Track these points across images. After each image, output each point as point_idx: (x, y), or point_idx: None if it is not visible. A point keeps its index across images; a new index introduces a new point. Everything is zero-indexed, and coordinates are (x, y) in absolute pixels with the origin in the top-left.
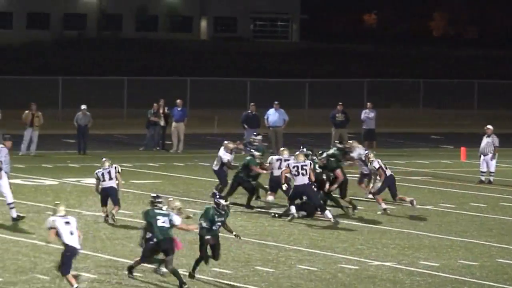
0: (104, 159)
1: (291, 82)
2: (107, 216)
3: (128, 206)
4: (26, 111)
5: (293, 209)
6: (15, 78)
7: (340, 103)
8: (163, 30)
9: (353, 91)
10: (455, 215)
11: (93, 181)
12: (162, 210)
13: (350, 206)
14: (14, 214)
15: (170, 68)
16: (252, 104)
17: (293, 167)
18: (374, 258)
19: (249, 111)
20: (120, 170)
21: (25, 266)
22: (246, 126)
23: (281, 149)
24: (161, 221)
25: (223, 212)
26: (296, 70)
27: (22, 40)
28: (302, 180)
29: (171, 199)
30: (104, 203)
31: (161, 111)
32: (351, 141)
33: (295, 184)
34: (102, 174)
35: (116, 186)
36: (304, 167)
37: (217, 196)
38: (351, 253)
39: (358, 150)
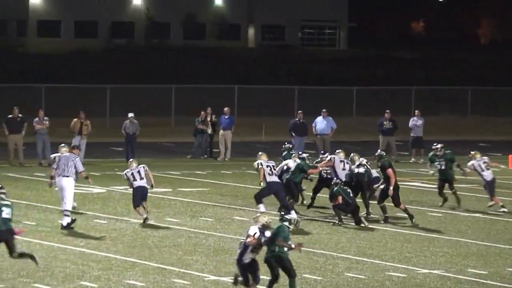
0: (131, 160)
1: (339, 89)
2: (146, 218)
3: (175, 214)
4: (75, 119)
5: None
6: (63, 86)
7: (388, 111)
8: (211, 38)
9: (401, 99)
10: (503, 223)
11: None
12: (5, 200)
13: (406, 214)
14: (65, 222)
15: (217, 76)
16: (299, 112)
17: (267, 167)
18: (422, 266)
19: (297, 119)
20: (148, 169)
21: (73, 274)
22: (293, 134)
23: (338, 151)
24: (5, 213)
25: (292, 227)
26: (344, 77)
27: (70, 48)
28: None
29: (259, 214)
30: (137, 204)
31: (208, 119)
32: (473, 152)
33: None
34: (132, 173)
35: (147, 185)
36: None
37: (286, 212)
38: (399, 261)
39: (476, 161)
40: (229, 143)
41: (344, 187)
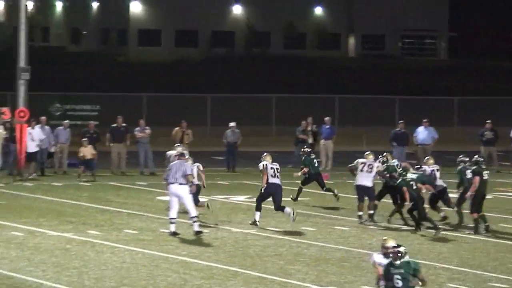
0: (187, 158)
1: (440, 99)
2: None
3: (277, 223)
4: (176, 128)
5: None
6: (164, 96)
7: (489, 121)
8: (311, 48)
9: (503, 109)
10: None
11: (241, 198)
12: None
13: (474, 224)
14: (196, 227)
15: (318, 85)
16: (400, 121)
17: (271, 168)
18: None
19: (398, 129)
20: (202, 168)
21: (175, 283)
22: (394, 144)
23: (366, 153)
24: None
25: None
26: (445, 87)
27: (170, 57)
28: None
29: (386, 237)
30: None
31: (309, 128)
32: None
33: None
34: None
35: (200, 184)
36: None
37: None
38: (501, 272)
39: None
40: (330, 153)
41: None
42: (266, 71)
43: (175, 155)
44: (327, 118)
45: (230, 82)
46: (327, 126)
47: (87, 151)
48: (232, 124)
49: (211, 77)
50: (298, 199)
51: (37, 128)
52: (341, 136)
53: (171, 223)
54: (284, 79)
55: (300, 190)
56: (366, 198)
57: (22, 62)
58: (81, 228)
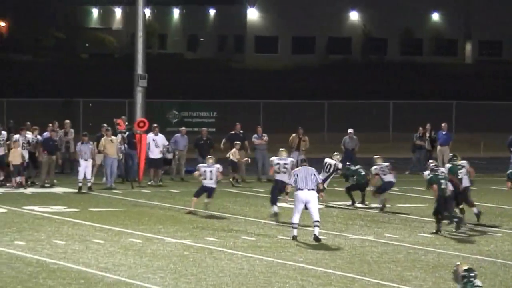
0: (209, 157)
1: None
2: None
3: (394, 230)
4: (293, 135)
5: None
6: (280, 102)
7: None
8: (428, 54)
9: None
10: None
11: (358, 204)
12: None
13: None
14: (317, 231)
15: (435, 91)
16: None
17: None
18: None
19: None
20: (221, 170)
21: None
22: None
23: (375, 157)
24: None
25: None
26: None
27: (287, 64)
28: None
29: (459, 263)
30: (197, 195)
31: (427, 134)
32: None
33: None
34: (205, 171)
35: (215, 187)
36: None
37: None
38: None
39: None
40: (446, 159)
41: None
42: (382, 78)
43: (301, 163)
44: (443, 124)
45: (347, 88)
46: (444, 132)
47: (236, 154)
48: (350, 130)
49: (327, 83)
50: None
51: (161, 134)
52: (458, 142)
53: (294, 228)
54: (401, 86)
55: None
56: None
57: (139, 69)
58: (199, 234)
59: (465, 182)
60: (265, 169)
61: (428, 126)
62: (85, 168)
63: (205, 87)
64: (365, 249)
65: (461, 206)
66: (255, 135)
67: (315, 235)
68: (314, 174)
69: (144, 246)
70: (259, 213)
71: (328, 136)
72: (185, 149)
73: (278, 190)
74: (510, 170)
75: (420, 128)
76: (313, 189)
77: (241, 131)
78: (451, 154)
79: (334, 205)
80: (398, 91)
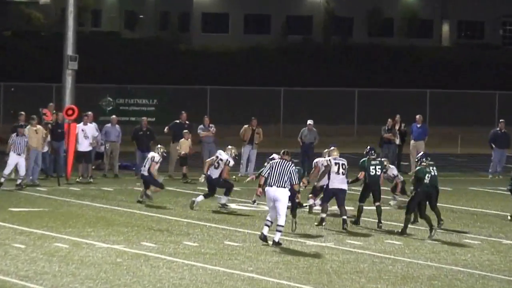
0: (229, 147)
1: None
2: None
3: (356, 236)
4: (245, 126)
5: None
6: (230, 89)
7: None
8: (399, 36)
9: None
10: None
11: (318, 206)
12: None
13: None
14: (277, 238)
15: (407, 78)
16: (501, 120)
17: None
18: None
19: (498, 129)
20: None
21: None
22: (494, 146)
23: (330, 148)
24: None
25: None
26: None
27: (239, 45)
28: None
29: None
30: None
31: (396, 127)
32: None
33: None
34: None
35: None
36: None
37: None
38: None
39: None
40: None
41: None
42: (347, 62)
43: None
44: (418, 116)
45: (306, 74)
46: (418, 125)
47: (185, 145)
48: (309, 121)
49: (284, 68)
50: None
51: (91, 124)
52: (433, 136)
53: (266, 225)
54: (367, 71)
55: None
56: None
57: (69, 49)
58: (134, 239)
59: None
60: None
61: (397, 117)
62: (15, 162)
63: (144, 70)
64: (324, 258)
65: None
66: (201, 126)
67: (274, 240)
68: (291, 173)
69: (71, 252)
70: (204, 215)
71: (284, 128)
72: (118, 141)
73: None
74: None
75: (389, 120)
76: (284, 187)
77: (187, 121)
78: (420, 154)
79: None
80: (364, 78)
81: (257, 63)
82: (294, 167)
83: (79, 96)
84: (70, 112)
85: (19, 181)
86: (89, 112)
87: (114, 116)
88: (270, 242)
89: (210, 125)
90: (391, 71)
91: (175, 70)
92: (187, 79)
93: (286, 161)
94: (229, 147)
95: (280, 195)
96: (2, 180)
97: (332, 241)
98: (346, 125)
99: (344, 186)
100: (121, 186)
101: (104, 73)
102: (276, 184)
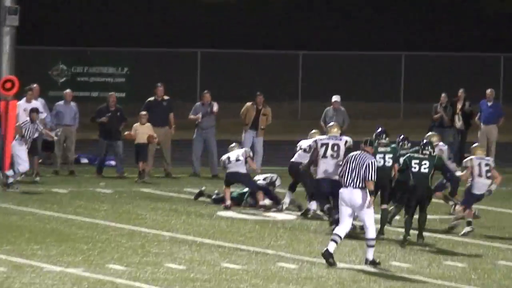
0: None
1: None
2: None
3: (404, 256)
4: (248, 104)
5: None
6: (229, 53)
7: None
8: None
9: None
10: None
11: None
12: None
13: None
14: (370, 255)
15: (472, 39)
16: None
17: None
18: None
19: None
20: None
21: None
22: None
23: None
24: None
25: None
26: None
27: None
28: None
29: None
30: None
31: (459, 106)
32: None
33: None
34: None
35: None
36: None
37: None
38: None
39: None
40: (493, 144)
41: None
42: (388, 16)
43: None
44: (489, 91)
45: (332, 33)
46: (490, 104)
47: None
48: (335, 98)
49: (302, 25)
50: None
51: (36, 102)
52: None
53: (333, 241)
54: (417, 29)
55: None
56: None
57: None
58: (97, 260)
59: None
60: (209, 159)
61: (460, 92)
62: None
63: (110, 28)
64: (358, 285)
65: None
66: (198, 104)
67: (367, 259)
68: (368, 165)
69: (10, 278)
70: (193, 228)
71: (303, 107)
72: (74, 124)
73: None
74: None
75: (443, 95)
76: (363, 188)
77: (165, 97)
78: (401, 136)
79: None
80: (413, 38)
81: (265, 18)
82: (373, 160)
83: (20, 63)
84: (8, 85)
85: None
86: (34, 85)
87: (68, 90)
88: (339, 263)
89: (212, 102)
90: (449, 29)
91: (152, 27)
92: (170, 40)
93: (365, 155)
94: (232, 145)
95: (359, 198)
96: None
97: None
98: (389, 103)
99: None
100: (79, 187)
101: (56, 32)
102: (353, 185)
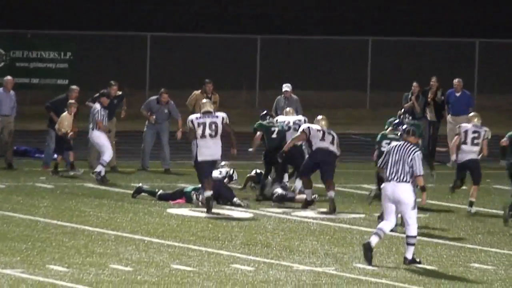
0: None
1: None
2: None
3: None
4: (196, 92)
5: None
6: (179, 37)
7: None
8: None
9: None
10: None
11: (308, 212)
12: None
13: None
14: (410, 254)
15: (448, 23)
16: None
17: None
18: None
19: None
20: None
21: None
22: None
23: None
24: None
25: None
26: None
27: None
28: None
29: None
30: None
31: (430, 96)
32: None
33: None
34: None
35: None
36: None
37: None
38: None
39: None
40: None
41: None
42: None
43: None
44: (456, 81)
45: (294, 15)
46: (458, 94)
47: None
48: (286, 87)
49: (261, 5)
50: None
51: None
52: (484, 110)
53: (377, 235)
54: (386, 13)
55: None
56: None
57: None
58: (37, 261)
59: None
60: (161, 152)
61: (433, 80)
62: None
63: (53, 8)
64: None
65: None
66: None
67: (406, 258)
68: (414, 158)
69: None
70: (141, 226)
71: (261, 96)
72: (12, 114)
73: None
74: None
75: (414, 84)
76: (407, 182)
77: (119, 93)
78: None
79: (267, 213)
80: (381, 22)
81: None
82: (419, 152)
83: None
84: None
85: None
86: None
87: (9, 77)
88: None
89: (170, 102)
90: (420, 12)
91: (98, 8)
92: (118, 22)
93: (410, 145)
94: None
95: (403, 193)
96: None
97: (334, 264)
98: (352, 91)
99: None
100: (17, 181)
101: None
102: (396, 178)
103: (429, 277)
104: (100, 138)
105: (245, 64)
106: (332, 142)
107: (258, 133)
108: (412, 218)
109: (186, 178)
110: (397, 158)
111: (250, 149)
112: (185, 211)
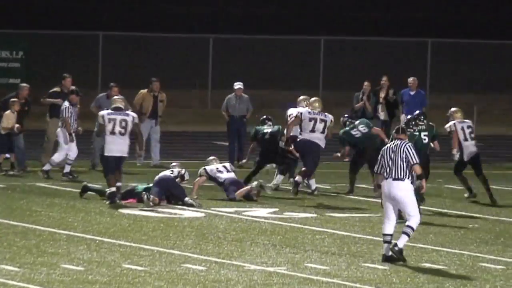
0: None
1: None
2: None
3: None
4: (143, 91)
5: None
6: (131, 36)
7: None
8: None
9: None
10: None
11: (260, 212)
12: None
13: None
14: (401, 243)
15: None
16: None
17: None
18: None
19: None
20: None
21: None
22: None
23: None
24: None
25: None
26: None
27: None
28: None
29: None
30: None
31: (382, 95)
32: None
33: None
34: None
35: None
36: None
37: None
38: None
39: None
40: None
41: None
42: None
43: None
44: (411, 80)
45: (246, 14)
46: (412, 93)
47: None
48: (237, 85)
49: (212, 3)
50: None
51: None
52: (438, 109)
53: (385, 241)
54: (338, 11)
55: None
56: None
57: None
58: None
59: None
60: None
61: (384, 80)
62: None
63: (4, 7)
64: None
65: None
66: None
67: (395, 245)
68: (407, 150)
69: None
70: (92, 226)
71: (213, 95)
72: None
73: None
74: None
75: (366, 83)
76: (403, 179)
77: (73, 88)
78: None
79: (217, 212)
80: (333, 21)
81: None
82: (409, 144)
83: None
84: None
85: None
86: None
87: None
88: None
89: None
90: (372, 11)
91: (51, 7)
92: (70, 21)
93: (401, 141)
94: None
95: (399, 191)
96: None
97: (286, 263)
98: (307, 91)
99: None
100: None
101: None
102: (392, 176)
103: (380, 276)
104: (62, 138)
105: (197, 64)
106: (322, 131)
107: (252, 145)
108: (413, 212)
109: (138, 177)
110: (391, 156)
111: (244, 161)
112: (137, 211)
